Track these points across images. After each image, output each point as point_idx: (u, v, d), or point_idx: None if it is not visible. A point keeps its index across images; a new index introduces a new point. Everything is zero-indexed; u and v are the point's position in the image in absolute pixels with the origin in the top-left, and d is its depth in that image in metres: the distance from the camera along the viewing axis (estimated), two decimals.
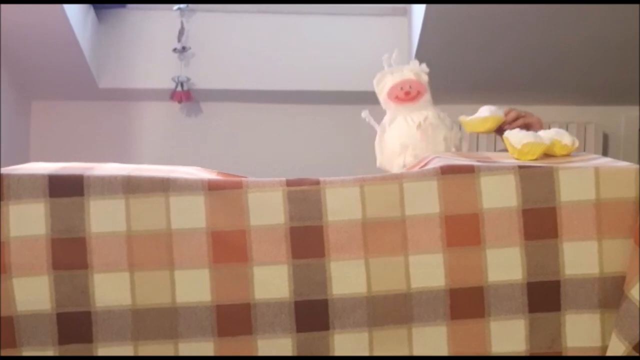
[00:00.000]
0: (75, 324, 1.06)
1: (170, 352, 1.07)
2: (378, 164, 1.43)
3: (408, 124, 1.38)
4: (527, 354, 1.07)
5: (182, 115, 2.98)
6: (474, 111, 1.42)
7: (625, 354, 1.01)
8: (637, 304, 1.01)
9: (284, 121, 3.01)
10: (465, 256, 1.07)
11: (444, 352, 1.08)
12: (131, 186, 1.06)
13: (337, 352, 1.07)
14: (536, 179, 1.08)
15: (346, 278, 1.07)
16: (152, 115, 2.98)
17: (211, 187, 1.08)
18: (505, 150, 1.23)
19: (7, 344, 1.05)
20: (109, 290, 1.06)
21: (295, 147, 2.99)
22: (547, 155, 1.19)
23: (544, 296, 1.07)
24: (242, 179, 1.11)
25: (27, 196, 1.05)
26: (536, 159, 1.16)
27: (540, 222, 1.07)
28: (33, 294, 1.05)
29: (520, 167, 1.09)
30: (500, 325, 1.07)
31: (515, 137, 1.19)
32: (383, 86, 1.43)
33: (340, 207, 1.08)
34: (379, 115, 1.44)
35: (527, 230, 1.07)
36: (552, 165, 1.09)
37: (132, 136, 2.97)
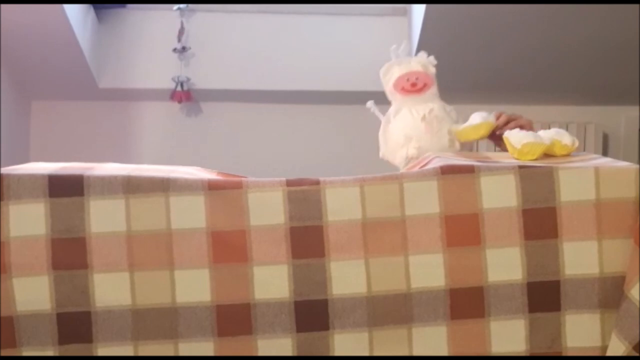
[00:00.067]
0: (75, 324, 1.06)
1: (170, 352, 1.07)
2: (381, 154, 1.42)
3: (413, 116, 1.37)
4: (527, 354, 1.07)
5: (182, 115, 2.98)
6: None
7: (625, 354, 1.01)
8: (637, 304, 1.01)
9: (284, 121, 3.01)
10: (465, 256, 1.07)
11: (444, 352, 1.08)
12: (131, 186, 1.06)
13: (337, 352, 1.07)
14: (536, 179, 1.08)
15: (346, 278, 1.07)
16: (152, 115, 2.98)
17: (211, 187, 1.08)
18: (505, 150, 1.23)
19: (7, 344, 1.05)
20: (109, 290, 1.06)
21: (295, 147, 2.99)
22: (547, 155, 1.19)
23: (544, 296, 1.07)
24: (242, 179, 1.11)
25: (27, 196, 1.05)
26: (536, 159, 1.16)
27: (540, 222, 1.07)
28: (33, 294, 1.05)
29: (520, 167, 1.09)
30: (500, 325, 1.07)
31: (515, 137, 1.19)
32: (390, 77, 1.41)
33: (340, 207, 1.08)
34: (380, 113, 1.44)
35: (527, 230, 1.07)
36: (552, 165, 1.09)
37: (132, 136, 2.97)
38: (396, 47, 1.42)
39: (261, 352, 1.07)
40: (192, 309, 1.06)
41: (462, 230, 1.07)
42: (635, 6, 2.33)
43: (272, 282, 1.07)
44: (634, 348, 1.01)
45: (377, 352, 1.07)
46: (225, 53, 2.86)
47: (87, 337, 1.06)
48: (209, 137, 2.98)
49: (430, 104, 1.38)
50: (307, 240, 1.07)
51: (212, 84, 2.87)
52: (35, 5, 2.32)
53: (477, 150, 2.74)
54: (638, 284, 1.02)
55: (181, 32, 2.80)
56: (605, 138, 3.00)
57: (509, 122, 1.45)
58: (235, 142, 2.98)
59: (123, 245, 1.06)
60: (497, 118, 1.43)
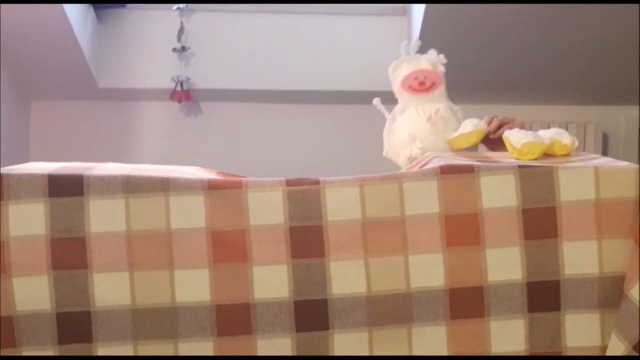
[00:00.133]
0: (75, 324, 1.06)
1: (170, 352, 1.07)
2: (385, 152, 1.42)
3: (419, 115, 1.36)
4: (527, 354, 1.07)
5: (182, 115, 2.98)
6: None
7: (625, 354, 1.01)
8: (637, 304, 1.01)
9: (284, 121, 3.01)
10: (465, 256, 1.07)
11: (444, 352, 1.08)
12: (131, 186, 1.06)
13: (337, 352, 1.07)
14: (536, 179, 1.08)
15: (346, 278, 1.07)
16: (152, 115, 2.98)
17: (211, 187, 1.08)
18: (505, 150, 1.23)
19: (7, 344, 1.05)
20: (109, 290, 1.06)
21: (295, 147, 2.99)
22: (547, 155, 1.18)
23: (544, 296, 1.07)
24: (242, 179, 1.11)
25: (27, 196, 1.05)
26: (536, 159, 1.16)
27: (540, 222, 1.07)
28: (33, 294, 1.05)
29: (520, 167, 1.09)
30: (500, 325, 1.07)
31: (515, 137, 1.19)
32: (398, 74, 1.40)
33: (340, 207, 1.08)
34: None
35: (527, 230, 1.07)
36: (552, 165, 1.09)
37: (132, 136, 2.97)
38: (407, 44, 1.41)
39: (261, 352, 1.07)
40: (192, 309, 1.06)
41: (462, 230, 1.07)
42: (635, 6, 2.33)
43: (272, 282, 1.07)
44: (634, 348, 1.01)
45: (377, 352, 1.07)
46: (225, 53, 2.86)
47: (87, 337, 1.06)
48: (209, 137, 2.98)
49: (437, 104, 1.37)
50: (307, 240, 1.07)
51: (212, 84, 2.87)
52: (35, 5, 2.32)
53: (477, 150, 2.74)
54: (638, 284, 1.02)
55: (181, 32, 2.80)
56: (605, 138, 3.00)
57: (502, 127, 1.43)
58: (235, 142, 2.98)
59: (123, 245, 1.06)
60: (489, 123, 1.41)
